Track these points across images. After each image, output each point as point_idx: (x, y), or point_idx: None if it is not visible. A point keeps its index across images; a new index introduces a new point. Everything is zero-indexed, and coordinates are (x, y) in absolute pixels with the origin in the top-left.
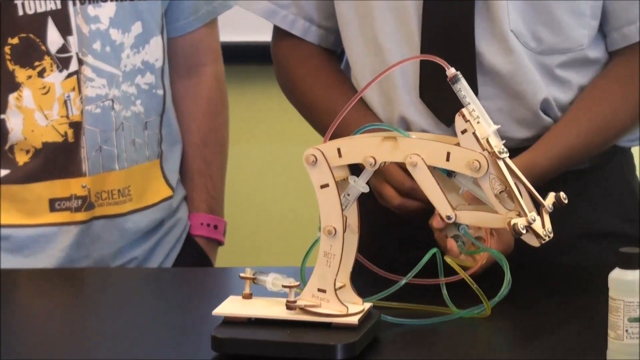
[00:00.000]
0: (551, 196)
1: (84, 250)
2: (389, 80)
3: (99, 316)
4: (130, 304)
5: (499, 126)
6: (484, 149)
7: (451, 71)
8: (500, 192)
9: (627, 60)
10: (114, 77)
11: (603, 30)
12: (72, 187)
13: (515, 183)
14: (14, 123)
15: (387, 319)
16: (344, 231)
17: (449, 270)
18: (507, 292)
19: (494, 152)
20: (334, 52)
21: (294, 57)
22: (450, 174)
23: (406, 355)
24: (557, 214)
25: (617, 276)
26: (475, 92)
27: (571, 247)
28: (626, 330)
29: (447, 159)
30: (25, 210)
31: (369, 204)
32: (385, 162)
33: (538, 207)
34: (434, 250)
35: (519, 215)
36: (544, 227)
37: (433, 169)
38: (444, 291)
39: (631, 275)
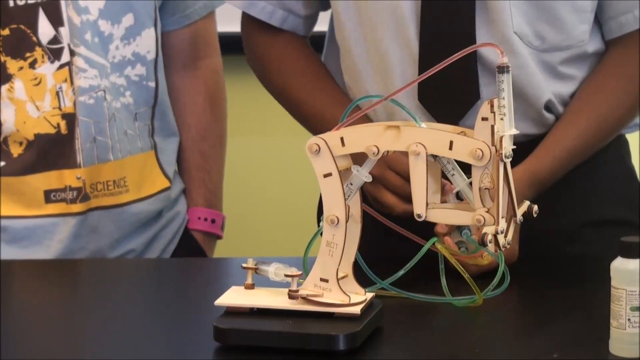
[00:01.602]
0: (524, 206)
1: (81, 242)
2: (389, 84)
3: (99, 307)
4: (132, 294)
5: (518, 132)
6: (493, 144)
7: (504, 60)
8: (485, 188)
9: (622, 53)
10: (104, 68)
11: (599, 20)
12: (66, 178)
13: (503, 187)
14: (6, 114)
15: (390, 289)
16: (347, 221)
17: (450, 263)
18: (505, 287)
19: (501, 152)
20: (306, 37)
21: (270, 47)
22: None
23: (408, 345)
24: (560, 204)
25: (619, 265)
26: (478, 93)
27: (575, 236)
28: (628, 320)
29: (450, 148)
30: (22, 201)
31: (364, 199)
32: (388, 151)
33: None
34: (434, 239)
35: (488, 212)
36: (505, 237)
37: (435, 160)
38: (443, 280)
39: (633, 264)
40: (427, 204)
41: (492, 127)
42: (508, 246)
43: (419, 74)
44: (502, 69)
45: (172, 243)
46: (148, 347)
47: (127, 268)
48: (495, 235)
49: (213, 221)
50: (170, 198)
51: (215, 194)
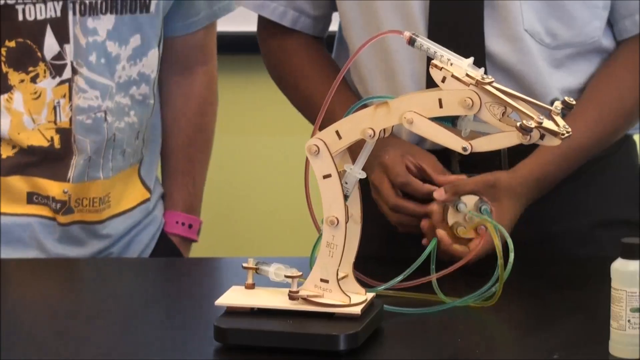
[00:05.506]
0: (557, 102)
1: (61, 249)
2: (398, 81)
3: (99, 306)
4: (132, 294)
5: (473, 58)
6: (469, 84)
7: (406, 34)
8: (502, 115)
9: (634, 47)
10: (108, 89)
11: (611, 18)
12: (52, 189)
13: (512, 99)
14: (1, 124)
15: (388, 308)
16: (347, 221)
17: (441, 262)
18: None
19: (478, 80)
20: (321, 39)
21: (284, 49)
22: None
23: (409, 346)
24: (571, 205)
25: (620, 266)
26: None
27: (587, 238)
28: (628, 321)
29: (441, 106)
30: (4, 199)
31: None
32: (384, 131)
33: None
34: (435, 240)
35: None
36: (558, 125)
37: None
38: (434, 282)
39: (633, 265)
40: (463, 138)
41: (453, 76)
42: (570, 130)
43: (427, 70)
44: (411, 41)
45: (149, 246)
46: (148, 347)
47: (126, 267)
48: (541, 127)
49: (190, 226)
50: (148, 209)
51: (196, 198)
